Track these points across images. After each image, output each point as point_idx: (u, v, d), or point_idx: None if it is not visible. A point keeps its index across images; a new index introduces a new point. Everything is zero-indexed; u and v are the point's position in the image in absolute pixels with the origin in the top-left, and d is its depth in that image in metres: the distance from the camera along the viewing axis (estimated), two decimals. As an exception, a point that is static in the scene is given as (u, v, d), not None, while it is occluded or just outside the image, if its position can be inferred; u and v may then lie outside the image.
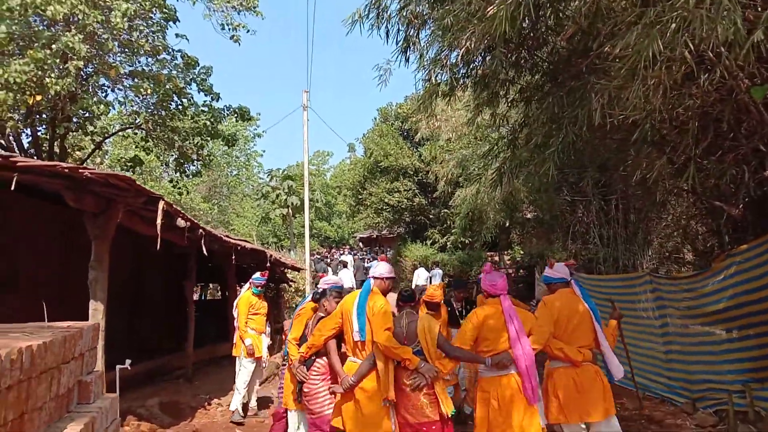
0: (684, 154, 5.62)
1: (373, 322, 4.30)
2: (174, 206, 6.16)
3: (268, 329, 7.94)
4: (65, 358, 2.19)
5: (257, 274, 7.80)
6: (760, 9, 3.64)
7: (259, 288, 7.69)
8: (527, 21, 6.09)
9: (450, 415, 4.11)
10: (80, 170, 5.01)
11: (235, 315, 7.50)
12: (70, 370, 2.27)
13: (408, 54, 7.70)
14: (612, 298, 8.62)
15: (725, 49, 3.70)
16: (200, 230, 6.93)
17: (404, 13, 7.48)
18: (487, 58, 7.00)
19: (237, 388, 7.31)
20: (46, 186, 5.46)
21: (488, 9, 4.45)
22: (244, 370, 7.31)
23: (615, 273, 10.53)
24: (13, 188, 5.02)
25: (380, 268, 4.75)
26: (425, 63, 7.29)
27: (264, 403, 8.11)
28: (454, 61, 6.96)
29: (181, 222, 6.33)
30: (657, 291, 7.31)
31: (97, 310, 5.66)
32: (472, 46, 5.91)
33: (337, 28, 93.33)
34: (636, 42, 3.57)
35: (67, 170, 5.01)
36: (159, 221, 5.69)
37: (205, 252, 7.22)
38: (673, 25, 3.40)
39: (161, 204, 5.72)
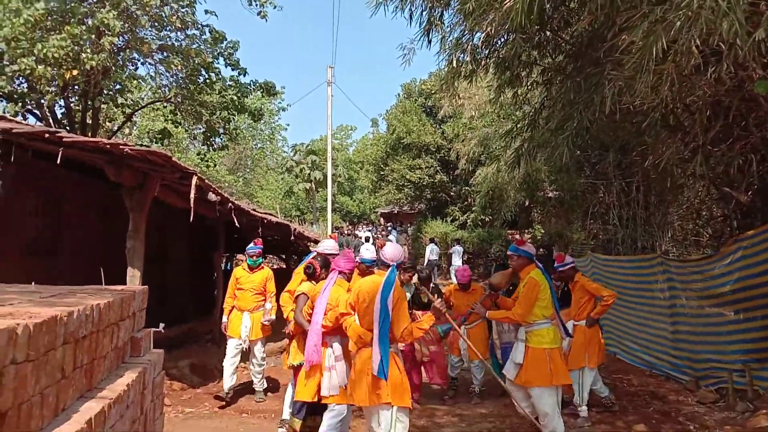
0: (695, 141, 5.79)
1: None
2: (206, 181, 6.53)
3: (269, 305, 7.04)
4: (122, 316, 2.56)
5: (251, 244, 7.21)
6: (764, 6, 3.80)
7: (254, 258, 7.09)
8: (549, 4, 6.26)
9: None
10: (121, 146, 5.38)
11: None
12: (126, 327, 2.64)
13: (430, 36, 7.87)
14: (627, 279, 8.92)
15: (728, 45, 3.88)
16: (230, 204, 7.30)
17: (428, -5, 7.62)
18: (509, 41, 7.15)
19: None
20: (88, 160, 5.86)
21: (505, 2, 4.64)
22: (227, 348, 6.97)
23: (633, 254, 10.70)
24: (59, 162, 5.42)
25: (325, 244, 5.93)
26: (447, 46, 7.49)
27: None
28: (476, 43, 7.14)
29: (212, 196, 6.70)
30: (667, 273, 7.51)
31: (134, 277, 6.10)
32: (493, 31, 6.12)
33: (363, 3, 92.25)
34: (642, 38, 3.78)
35: (108, 146, 5.39)
36: (192, 195, 6.06)
37: (236, 224, 7.59)
38: (678, 23, 3.59)
39: (194, 179, 6.08)
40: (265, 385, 7.19)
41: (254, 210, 8.92)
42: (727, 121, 5.43)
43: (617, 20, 5.01)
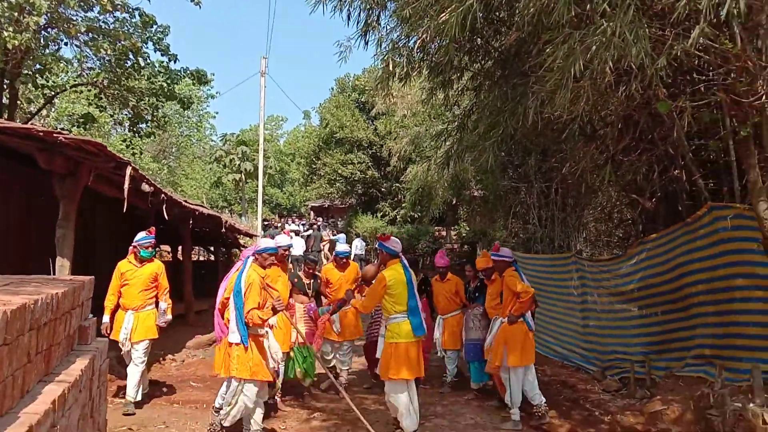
0: (608, 150, 6.34)
1: None
2: (139, 172, 6.50)
3: (164, 305, 6.44)
4: (74, 305, 2.66)
5: (142, 234, 6.33)
6: (667, 33, 4.28)
7: (149, 249, 6.33)
8: (481, 15, 6.63)
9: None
10: (54, 134, 5.30)
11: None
12: (76, 315, 2.74)
13: (367, 37, 8.10)
14: (544, 276, 9.52)
15: (638, 66, 4.35)
16: (162, 195, 7.27)
17: (366, -2, 7.82)
18: (442, 47, 7.48)
19: None
20: (18, 147, 5.72)
21: (441, 15, 4.94)
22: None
23: (550, 252, 11.37)
24: (-14, 148, 5.28)
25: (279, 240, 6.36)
26: (383, 48, 7.74)
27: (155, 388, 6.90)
28: (411, 47, 7.42)
29: (145, 187, 6.67)
30: (580, 271, 8.13)
31: (63, 266, 6.00)
32: (428, 38, 6.42)
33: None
34: (562, 58, 4.18)
35: (41, 133, 5.29)
36: (126, 186, 6.04)
37: (166, 216, 7.55)
38: (594, 47, 4.01)
39: (128, 169, 6.05)
40: (140, 397, 6.09)
41: (186, 201, 8.87)
42: (635, 134, 5.98)
43: (542, 37, 5.45)
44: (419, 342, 5.17)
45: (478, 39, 7.95)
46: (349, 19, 8.03)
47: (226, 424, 4.92)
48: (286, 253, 6.58)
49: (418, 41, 6.72)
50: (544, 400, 5.83)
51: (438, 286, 7.33)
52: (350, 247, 20.24)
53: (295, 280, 6.81)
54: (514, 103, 6.50)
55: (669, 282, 6.36)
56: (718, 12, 3.68)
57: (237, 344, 4.71)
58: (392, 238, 5.40)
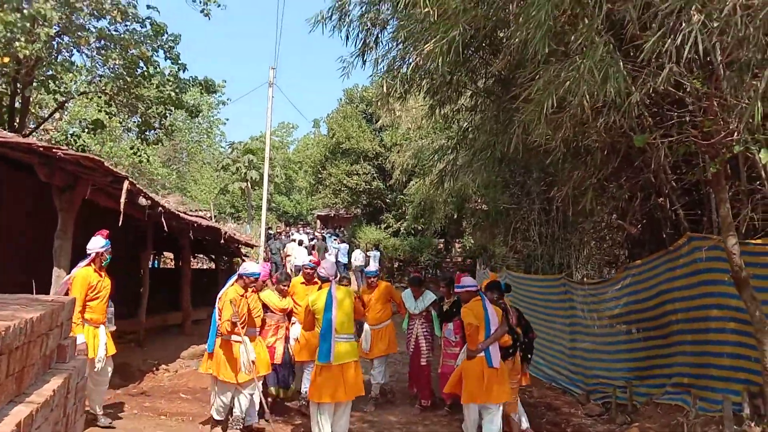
0: (594, 175, 6.45)
1: None
2: (137, 185, 6.68)
3: (112, 309, 5.93)
4: (52, 326, 2.81)
5: (101, 240, 5.74)
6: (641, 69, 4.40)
7: (110, 255, 5.79)
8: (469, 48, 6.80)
9: None
10: (54, 150, 5.51)
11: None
12: (54, 336, 2.90)
13: (365, 57, 8.29)
14: (536, 296, 9.59)
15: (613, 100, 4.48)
16: (160, 208, 7.45)
17: (364, 19, 8.04)
18: (438, 68, 7.64)
19: None
20: (21, 159, 5.93)
21: (426, 46, 5.11)
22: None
23: (550, 270, 11.42)
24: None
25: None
26: (379, 69, 7.92)
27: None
28: (406, 70, 7.61)
29: (142, 200, 6.86)
30: (569, 293, 8.22)
31: (60, 277, 6.18)
32: (421, 62, 6.60)
33: (307, 7, 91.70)
34: (536, 92, 4.33)
35: (41, 148, 5.50)
36: (123, 200, 6.23)
37: (165, 229, 7.72)
38: (568, 83, 4.15)
39: (126, 184, 6.24)
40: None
41: (185, 213, 9.06)
42: (614, 165, 6.08)
43: (527, 67, 5.60)
44: (331, 366, 5.10)
45: (476, 59, 8.11)
46: (347, 39, 8.25)
47: (215, 416, 5.87)
48: (313, 272, 6.78)
49: (413, 64, 6.91)
50: None
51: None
52: (350, 259, 20.44)
53: None
54: (503, 126, 6.66)
55: (652, 309, 6.45)
56: (682, 53, 3.79)
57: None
58: (322, 263, 5.89)
